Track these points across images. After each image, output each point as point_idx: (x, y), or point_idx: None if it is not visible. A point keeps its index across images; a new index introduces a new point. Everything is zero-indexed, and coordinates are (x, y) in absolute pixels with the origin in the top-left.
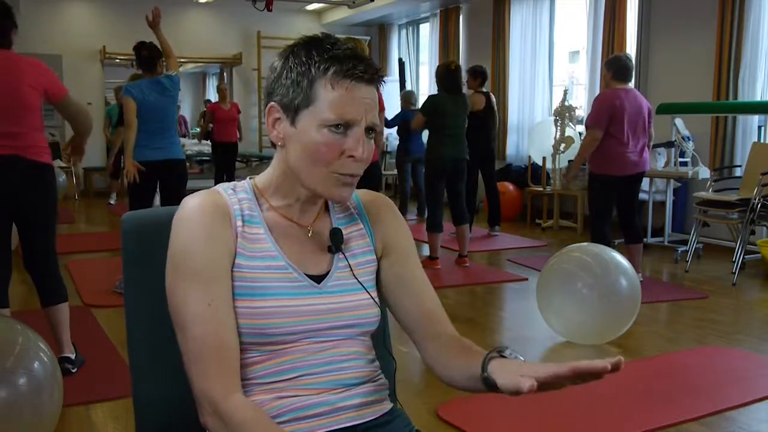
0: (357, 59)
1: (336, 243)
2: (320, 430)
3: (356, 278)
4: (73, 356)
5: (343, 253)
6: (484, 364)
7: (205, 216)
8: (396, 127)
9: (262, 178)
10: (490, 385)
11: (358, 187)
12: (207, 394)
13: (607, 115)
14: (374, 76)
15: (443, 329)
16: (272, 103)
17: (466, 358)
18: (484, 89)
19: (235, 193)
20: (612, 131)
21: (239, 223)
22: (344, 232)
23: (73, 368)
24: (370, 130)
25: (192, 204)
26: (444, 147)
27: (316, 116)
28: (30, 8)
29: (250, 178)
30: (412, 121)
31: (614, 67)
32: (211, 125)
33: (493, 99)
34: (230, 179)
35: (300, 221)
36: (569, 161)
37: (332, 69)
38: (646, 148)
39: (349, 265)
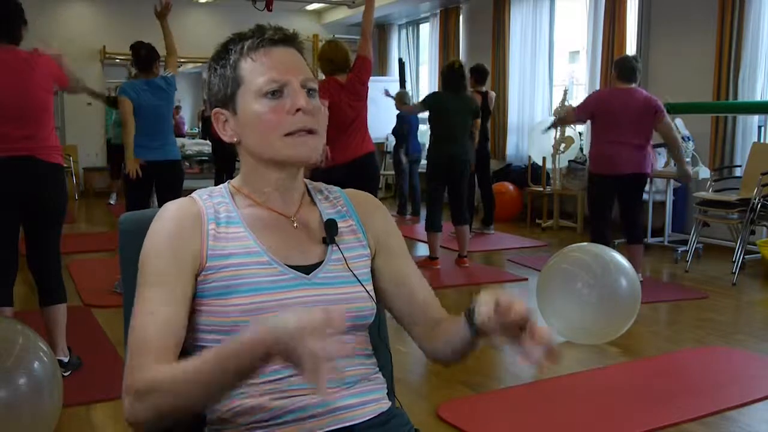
0: (265, 28)
1: (331, 234)
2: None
3: (351, 270)
4: (66, 359)
5: (338, 245)
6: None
7: (169, 223)
8: (392, 128)
9: (237, 178)
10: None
11: (357, 187)
12: (125, 384)
13: (588, 110)
14: (285, 36)
15: (440, 315)
16: (215, 109)
17: (454, 320)
18: (483, 88)
19: (210, 198)
20: (598, 130)
21: (212, 226)
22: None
23: (65, 372)
24: (310, 90)
25: (163, 211)
26: (442, 146)
27: (249, 91)
28: (30, 8)
29: (228, 182)
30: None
31: (618, 67)
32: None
33: (492, 97)
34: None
35: (284, 211)
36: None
37: (246, 45)
38: (647, 149)
39: (344, 257)
